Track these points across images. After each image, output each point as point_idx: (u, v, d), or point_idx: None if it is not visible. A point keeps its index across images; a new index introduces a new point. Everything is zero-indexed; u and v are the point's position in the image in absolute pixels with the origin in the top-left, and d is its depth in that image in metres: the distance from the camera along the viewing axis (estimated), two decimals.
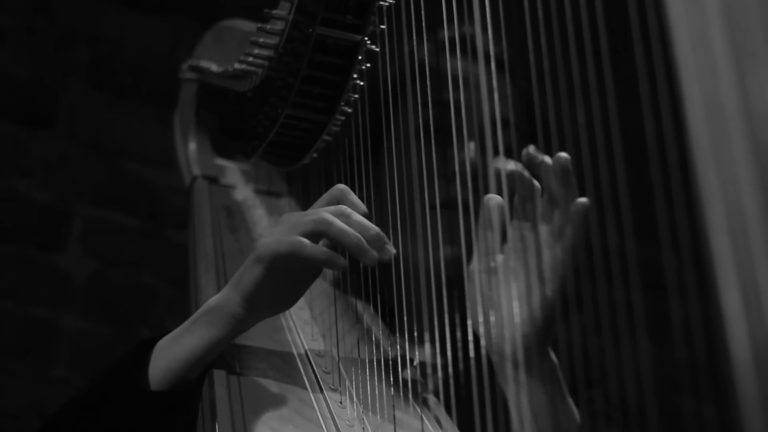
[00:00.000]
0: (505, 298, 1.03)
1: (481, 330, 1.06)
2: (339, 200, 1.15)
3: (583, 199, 1.04)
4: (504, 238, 1.10)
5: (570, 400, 1.09)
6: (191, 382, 1.13)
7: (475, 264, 1.10)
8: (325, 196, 1.16)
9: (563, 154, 1.04)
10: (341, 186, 1.16)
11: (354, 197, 1.15)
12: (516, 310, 1.02)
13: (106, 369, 1.20)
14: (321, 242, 1.12)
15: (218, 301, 1.15)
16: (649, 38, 0.78)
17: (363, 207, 1.14)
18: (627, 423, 1.04)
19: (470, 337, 0.99)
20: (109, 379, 1.18)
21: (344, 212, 1.13)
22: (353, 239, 1.11)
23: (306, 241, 1.11)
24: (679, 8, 0.65)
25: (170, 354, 1.14)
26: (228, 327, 1.14)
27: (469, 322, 1.07)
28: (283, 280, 1.15)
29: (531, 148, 1.05)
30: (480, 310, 1.09)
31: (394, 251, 1.12)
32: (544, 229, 1.07)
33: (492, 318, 1.04)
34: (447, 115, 1.29)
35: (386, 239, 1.12)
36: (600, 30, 0.87)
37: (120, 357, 1.18)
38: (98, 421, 1.14)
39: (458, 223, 1.08)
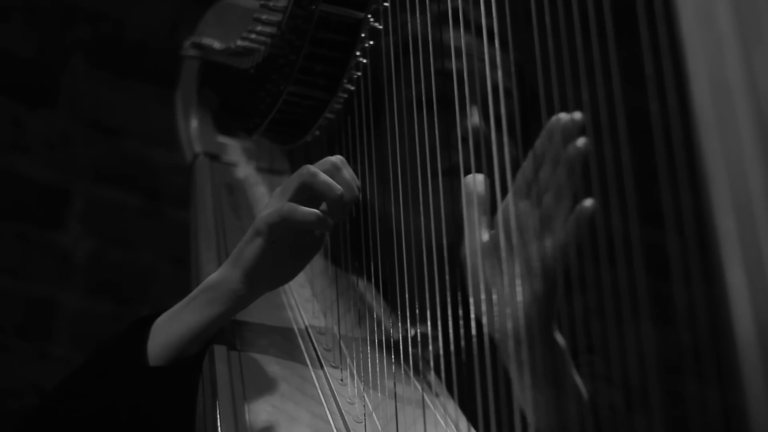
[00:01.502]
0: (504, 277, 1.02)
1: (483, 309, 1.05)
2: (327, 169, 1.14)
3: (590, 202, 1.00)
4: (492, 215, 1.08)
5: (577, 378, 1.08)
6: (191, 358, 1.13)
7: (467, 244, 1.08)
8: (319, 162, 1.16)
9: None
10: (339, 156, 1.16)
11: (347, 169, 1.15)
12: (516, 288, 1.01)
13: (105, 345, 1.19)
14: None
15: (218, 277, 1.15)
16: (654, 16, 0.77)
17: (352, 176, 1.15)
18: (630, 406, 1.04)
19: (471, 315, 0.98)
20: (108, 355, 1.18)
21: (336, 164, 1.14)
22: (336, 192, 1.11)
23: (296, 205, 1.11)
24: None
25: (169, 330, 1.14)
26: (228, 303, 1.14)
27: (471, 301, 1.06)
28: (283, 252, 1.15)
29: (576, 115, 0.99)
30: (477, 290, 1.07)
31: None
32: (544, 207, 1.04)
33: (492, 297, 1.03)
34: (448, 84, 1.28)
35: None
36: (605, 8, 0.87)
37: (118, 333, 1.18)
38: (97, 397, 1.14)
39: (461, 191, 1.06)
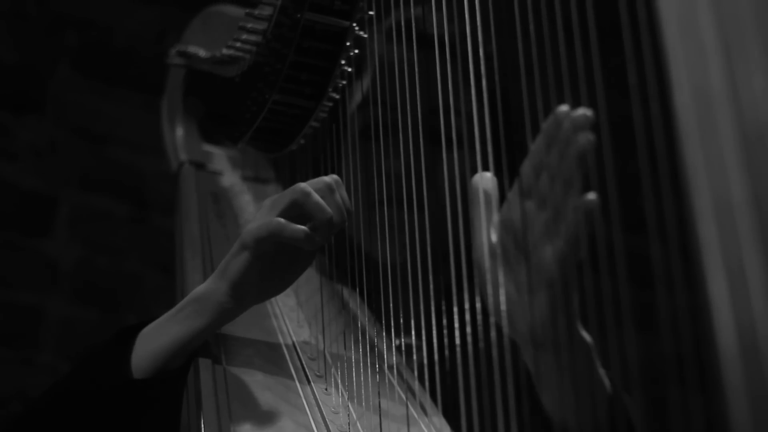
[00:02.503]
0: (518, 277, 1.00)
1: (502, 311, 1.02)
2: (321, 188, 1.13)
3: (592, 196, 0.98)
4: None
5: (603, 376, 1.05)
6: (176, 370, 1.12)
7: (480, 245, 1.05)
8: (314, 180, 1.15)
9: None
10: (335, 176, 1.15)
11: (341, 191, 1.14)
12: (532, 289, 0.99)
13: (90, 354, 1.19)
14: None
15: (205, 289, 1.14)
16: (638, 25, 0.77)
17: (345, 199, 1.14)
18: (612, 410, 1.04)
19: (455, 324, 0.98)
20: (93, 366, 1.17)
21: (330, 186, 1.13)
22: (326, 215, 1.11)
23: (284, 221, 1.10)
24: None
25: (155, 342, 1.13)
26: (215, 316, 1.13)
27: (490, 301, 1.04)
28: (270, 267, 1.14)
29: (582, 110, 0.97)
30: (493, 292, 1.05)
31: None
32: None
33: (503, 299, 1.01)
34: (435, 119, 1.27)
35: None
36: (588, 17, 0.87)
37: (103, 341, 1.17)
38: (80, 408, 1.13)
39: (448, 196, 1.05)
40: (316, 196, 1.11)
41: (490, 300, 1.00)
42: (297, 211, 1.12)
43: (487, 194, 1.02)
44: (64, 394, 1.16)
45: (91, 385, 1.14)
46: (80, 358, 1.20)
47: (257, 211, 1.19)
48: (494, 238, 1.02)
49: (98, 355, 1.17)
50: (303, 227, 1.10)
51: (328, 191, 1.13)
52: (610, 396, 1.05)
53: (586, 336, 1.04)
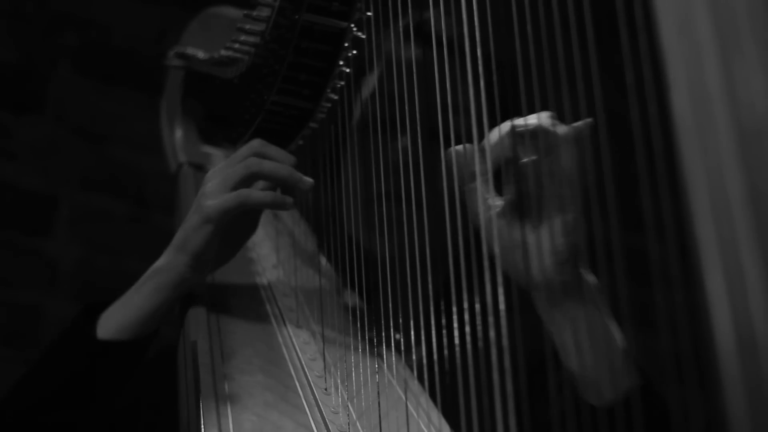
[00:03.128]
0: (527, 230, 1.03)
1: (513, 264, 1.04)
2: (259, 152, 1.20)
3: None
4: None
5: (613, 323, 1.07)
6: (144, 338, 1.21)
7: (483, 202, 1.06)
8: (244, 148, 1.21)
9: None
10: (259, 140, 1.22)
11: (273, 147, 1.21)
12: (541, 239, 1.02)
13: (58, 333, 1.25)
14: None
15: (165, 263, 1.21)
16: (635, 24, 0.77)
17: (284, 153, 1.21)
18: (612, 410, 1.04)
19: (455, 323, 0.98)
20: (61, 339, 1.24)
21: (263, 152, 1.20)
22: (286, 171, 1.18)
23: (249, 189, 1.18)
24: None
25: (120, 316, 1.21)
26: (176, 288, 1.20)
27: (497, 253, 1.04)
28: (229, 235, 1.21)
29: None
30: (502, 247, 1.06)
31: (311, 181, 1.19)
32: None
33: (517, 252, 1.03)
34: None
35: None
36: (585, 17, 0.87)
37: (69, 319, 1.24)
38: (52, 378, 1.20)
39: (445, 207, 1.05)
40: (268, 161, 1.19)
41: (502, 251, 1.02)
42: (252, 181, 1.19)
43: (471, 160, 1.04)
44: (37, 369, 1.23)
45: (61, 354, 1.22)
46: (51, 337, 1.26)
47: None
48: (498, 200, 1.05)
49: (66, 330, 1.24)
50: (269, 191, 1.19)
51: (267, 155, 1.20)
52: (625, 348, 1.06)
53: (592, 278, 1.06)
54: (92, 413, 1.20)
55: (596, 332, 1.04)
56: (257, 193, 1.18)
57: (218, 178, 1.19)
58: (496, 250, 0.98)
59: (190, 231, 1.19)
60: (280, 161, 1.20)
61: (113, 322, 1.21)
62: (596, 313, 1.05)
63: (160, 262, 1.22)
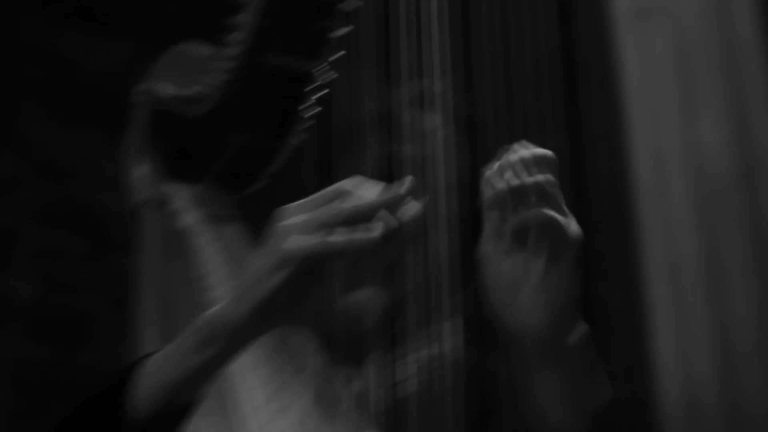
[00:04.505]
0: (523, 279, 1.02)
1: (503, 313, 1.04)
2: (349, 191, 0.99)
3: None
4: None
5: (599, 372, 1.04)
6: (179, 410, 1.01)
7: (486, 247, 1.05)
8: (333, 187, 1.00)
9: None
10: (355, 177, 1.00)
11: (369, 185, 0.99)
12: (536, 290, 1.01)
13: (92, 391, 1.07)
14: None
15: (219, 311, 0.99)
16: (604, 79, 0.78)
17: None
18: None
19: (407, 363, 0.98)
20: (94, 406, 1.06)
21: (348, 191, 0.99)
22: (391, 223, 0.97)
23: (343, 235, 0.95)
24: (630, 51, 0.66)
25: (158, 377, 1.00)
26: (230, 343, 0.99)
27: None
28: (304, 285, 0.97)
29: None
30: (497, 291, 1.05)
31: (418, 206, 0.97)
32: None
33: (509, 301, 1.03)
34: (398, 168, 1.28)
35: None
36: (557, 70, 0.88)
37: (110, 376, 1.05)
38: None
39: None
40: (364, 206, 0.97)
41: (493, 297, 1.02)
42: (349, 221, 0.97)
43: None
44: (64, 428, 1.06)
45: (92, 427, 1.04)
46: (85, 394, 1.08)
47: (220, 250, 1.17)
48: (500, 243, 1.04)
49: (102, 393, 1.05)
50: (373, 234, 0.95)
51: (354, 196, 0.98)
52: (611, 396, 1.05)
53: (582, 326, 1.05)
54: None
55: (578, 390, 1.03)
56: (344, 239, 0.95)
57: (302, 217, 0.98)
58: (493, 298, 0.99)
59: (256, 277, 0.97)
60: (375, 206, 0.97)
61: (151, 382, 1.00)
62: (581, 369, 1.04)
63: (214, 311, 0.99)
